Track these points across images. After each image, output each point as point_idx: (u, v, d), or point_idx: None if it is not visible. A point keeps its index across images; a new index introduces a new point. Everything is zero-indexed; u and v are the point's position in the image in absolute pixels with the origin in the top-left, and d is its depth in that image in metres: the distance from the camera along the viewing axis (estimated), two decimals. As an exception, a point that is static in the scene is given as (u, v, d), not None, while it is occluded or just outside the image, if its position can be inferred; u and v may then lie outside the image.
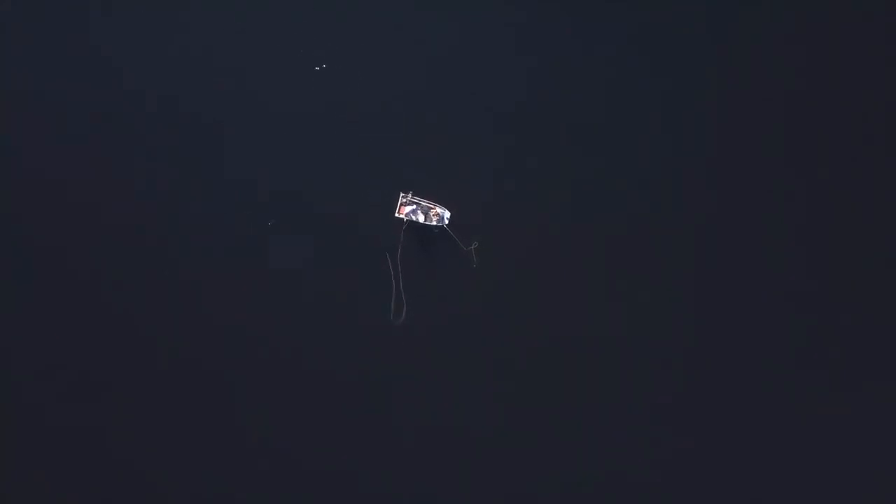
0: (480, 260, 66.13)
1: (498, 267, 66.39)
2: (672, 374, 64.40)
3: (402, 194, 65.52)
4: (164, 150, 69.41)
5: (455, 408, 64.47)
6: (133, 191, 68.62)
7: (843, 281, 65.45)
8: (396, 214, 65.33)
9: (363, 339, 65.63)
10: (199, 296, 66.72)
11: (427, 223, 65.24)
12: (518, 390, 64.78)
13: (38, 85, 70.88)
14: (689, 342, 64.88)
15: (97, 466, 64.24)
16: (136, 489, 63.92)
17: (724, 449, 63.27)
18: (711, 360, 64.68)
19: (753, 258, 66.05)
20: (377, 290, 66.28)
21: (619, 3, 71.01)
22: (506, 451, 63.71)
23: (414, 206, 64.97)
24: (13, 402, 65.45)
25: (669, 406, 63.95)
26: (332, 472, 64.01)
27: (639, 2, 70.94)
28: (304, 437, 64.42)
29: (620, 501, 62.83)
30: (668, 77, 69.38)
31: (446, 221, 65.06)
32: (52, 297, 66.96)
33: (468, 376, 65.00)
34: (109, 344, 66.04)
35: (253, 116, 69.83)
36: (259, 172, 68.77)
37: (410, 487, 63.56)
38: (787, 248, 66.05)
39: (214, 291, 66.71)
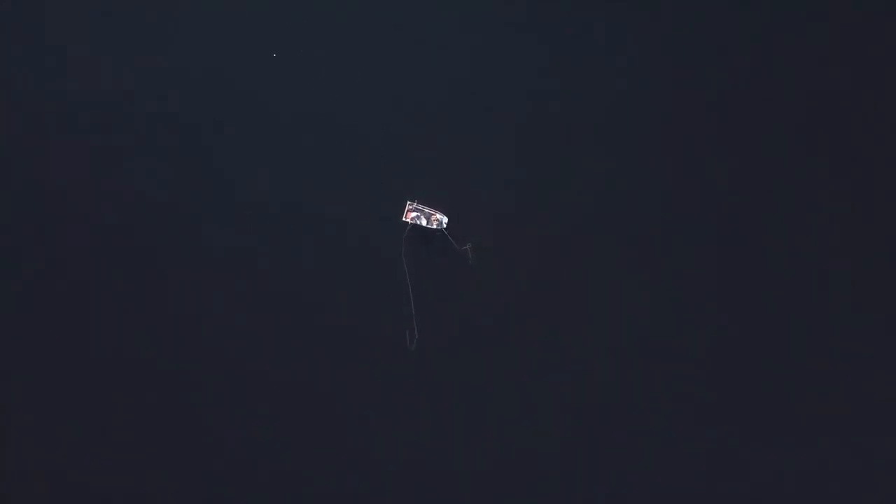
0: (480, 259, 66.42)
1: (498, 266, 66.53)
2: (672, 373, 64.41)
3: (408, 202, 67.16)
4: (164, 150, 69.52)
5: (455, 406, 64.70)
6: (132, 191, 68.68)
7: (843, 281, 65.49)
8: (403, 219, 67.25)
9: (363, 338, 65.78)
10: (198, 295, 66.83)
11: (428, 226, 66.87)
12: (517, 388, 64.84)
13: (38, 85, 70.98)
14: (688, 341, 64.88)
15: (97, 466, 64.36)
16: (135, 489, 64.09)
17: (724, 448, 63.34)
18: (711, 360, 64.72)
19: (754, 258, 66.07)
20: (377, 290, 66.45)
21: (619, 3, 71.06)
22: (505, 450, 63.78)
23: (418, 213, 67.07)
24: (13, 402, 65.69)
25: (669, 406, 63.98)
26: (330, 471, 64.10)
27: (639, 2, 70.98)
28: (302, 436, 64.52)
29: (620, 501, 62.92)
30: (668, 77, 69.40)
31: (444, 226, 66.70)
32: (51, 296, 67.04)
33: (467, 374, 65.09)
34: (108, 343, 66.12)
35: (253, 117, 69.94)
36: (259, 173, 68.89)
37: (410, 486, 63.63)
38: (787, 248, 66.07)
39: (213, 291, 66.81)
